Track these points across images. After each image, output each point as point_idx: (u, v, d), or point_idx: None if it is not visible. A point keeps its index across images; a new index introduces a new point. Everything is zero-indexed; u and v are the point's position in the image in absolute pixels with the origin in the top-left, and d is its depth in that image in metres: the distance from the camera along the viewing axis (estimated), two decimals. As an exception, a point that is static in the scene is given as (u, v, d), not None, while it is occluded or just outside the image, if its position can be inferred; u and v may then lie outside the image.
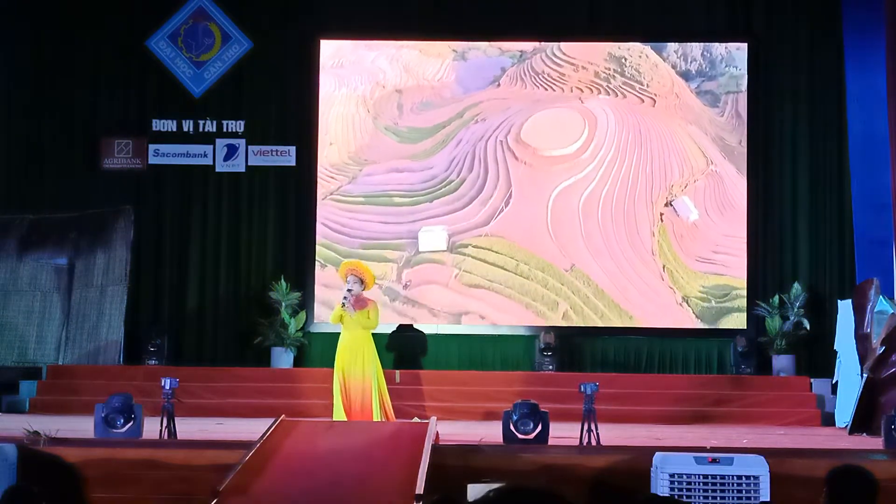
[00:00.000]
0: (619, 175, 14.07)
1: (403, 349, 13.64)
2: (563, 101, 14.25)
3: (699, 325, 13.89)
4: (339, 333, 10.68)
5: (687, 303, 13.91)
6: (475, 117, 14.31)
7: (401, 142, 14.37)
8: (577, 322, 13.89)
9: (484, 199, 14.14)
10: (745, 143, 14.10)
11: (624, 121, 14.18)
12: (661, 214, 14.05)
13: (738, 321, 13.87)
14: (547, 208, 14.07)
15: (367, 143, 14.38)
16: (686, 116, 14.23)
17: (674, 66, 14.29)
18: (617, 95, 14.24)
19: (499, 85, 14.36)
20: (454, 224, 14.12)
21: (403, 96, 14.42)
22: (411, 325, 13.90)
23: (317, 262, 14.17)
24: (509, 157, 14.20)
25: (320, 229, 14.21)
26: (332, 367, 10.53)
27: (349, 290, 10.50)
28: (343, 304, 10.47)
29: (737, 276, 13.93)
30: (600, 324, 13.90)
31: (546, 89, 14.27)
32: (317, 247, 14.17)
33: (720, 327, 13.91)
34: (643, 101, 14.24)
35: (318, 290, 14.11)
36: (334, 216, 14.24)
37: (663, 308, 13.92)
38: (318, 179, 14.30)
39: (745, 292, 13.89)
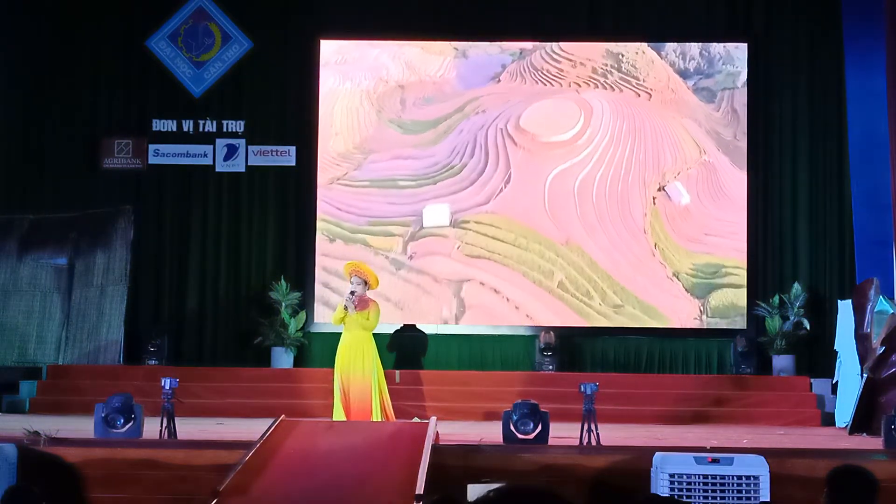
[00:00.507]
0: (614, 161, 14.31)
1: (404, 349, 13.63)
2: (562, 95, 14.40)
3: (689, 298, 14.02)
4: (339, 333, 10.68)
5: (677, 277, 14.09)
6: (476, 109, 14.48)
7: (404, 133, 14.52)
8: (571, 290, 14.12)
9: (484, 182, 14.39)
10: (739, 137, 14.19)
11: (619, 112, 14.38)
12: (654, 198, 14.26)
13: (728, 297, 14.02)
14: (544, 189, 14.32)
15: (372, 135, 14.52)
16: (681, 111, 14.34)
17: (672, 65, 14.35)
18: (614, 90, 14.37)
19: (499, 81, 14.48)
20: (456, 204, 14.36)
21: (406, 91, 14.53)
22: (413, 326, 13.90)
23: (323, 236, 14.28)
24: (509, 143, 14.41)
25: (327, 209, 14.34)
26: (333, 367, 10.53)
27: (352, 292, 10.51)
28: (345, 306, 10.48)
29: (727, 255, 14.08)
30: (594, 293, 14.10)
31: (545, 85, 14.41)
32: (324, 224, 14.30)
33: (719, 327, 13.95)
34: (639, 95, 14.35)
35: (318, 290, 14.14)
36: (341, 197, 14.38)
37: (654, 281, 14.13)
38: (325, 167, 14.40)
39: (735, 271, 14.05)
